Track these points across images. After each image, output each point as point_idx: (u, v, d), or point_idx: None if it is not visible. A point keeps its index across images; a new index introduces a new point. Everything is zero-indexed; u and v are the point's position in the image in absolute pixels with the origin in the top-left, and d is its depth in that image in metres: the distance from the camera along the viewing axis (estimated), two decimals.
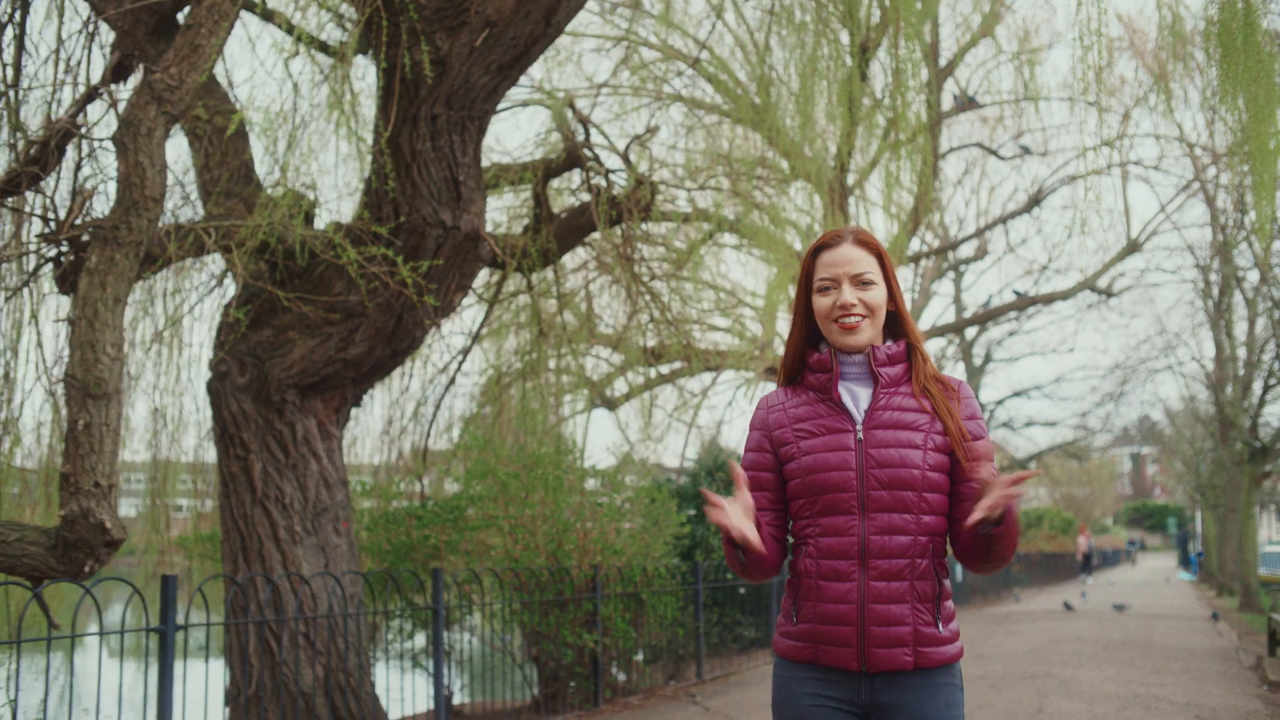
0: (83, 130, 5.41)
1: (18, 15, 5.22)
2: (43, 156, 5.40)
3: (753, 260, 13.60)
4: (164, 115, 4.82)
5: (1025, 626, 15.29)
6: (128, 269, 4.63)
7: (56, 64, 5.80)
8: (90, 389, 4.36)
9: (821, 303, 2.20)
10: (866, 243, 2.21)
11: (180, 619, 4.70)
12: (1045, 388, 30.13)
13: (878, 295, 2.19)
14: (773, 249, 11.18)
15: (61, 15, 6.03)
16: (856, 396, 2.20)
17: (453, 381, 9.98)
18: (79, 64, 5.89)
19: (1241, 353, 21.94)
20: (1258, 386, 21.53)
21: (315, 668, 6.33)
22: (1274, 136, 7.39)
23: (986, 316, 22.61)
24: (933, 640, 2.10)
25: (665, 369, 14.35)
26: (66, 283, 5.41)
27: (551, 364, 11.75)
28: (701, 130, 12.55)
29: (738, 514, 2.09)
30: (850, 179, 13.53)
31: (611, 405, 15.59)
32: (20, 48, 5.33)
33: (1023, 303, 20.94)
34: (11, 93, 5.28)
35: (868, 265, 2.18)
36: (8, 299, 5.81)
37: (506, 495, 7.35)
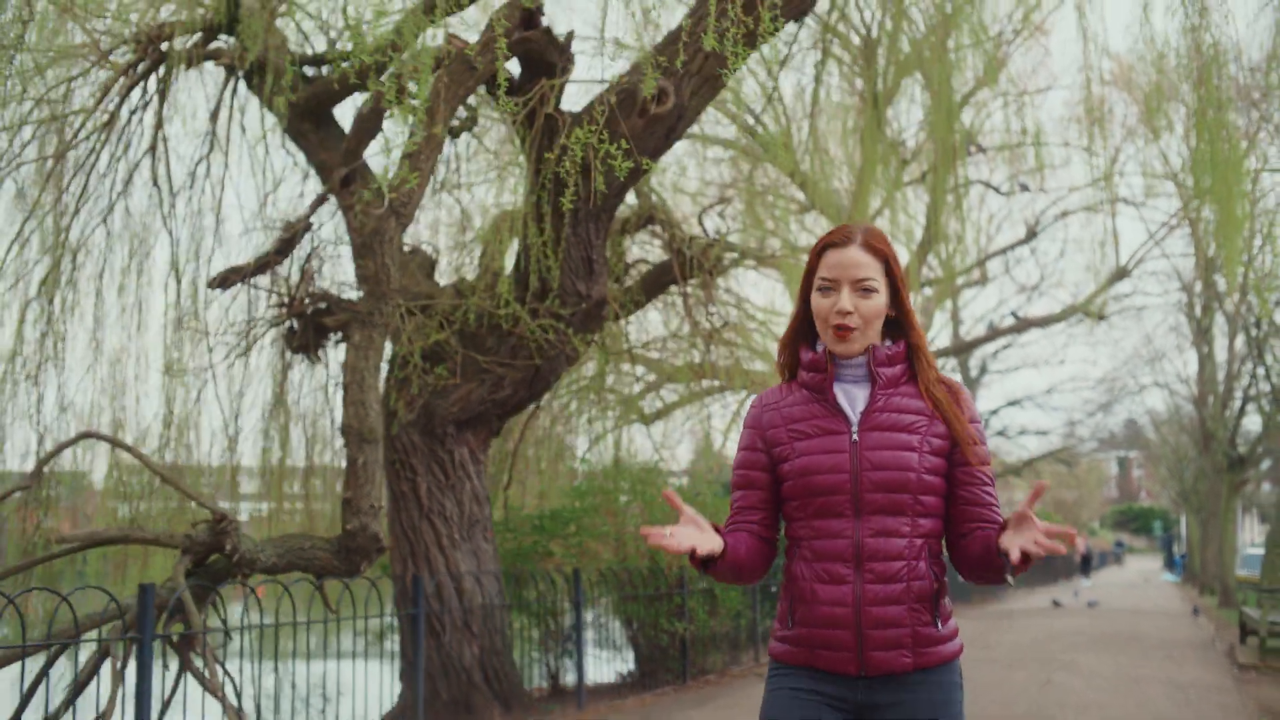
0: (315, 226, 6.97)
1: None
2: (286, 247, 6.96)
3: (763, 279, 15.13)
4: (400, 225, 6.38)
5: (1024, 622, 16.96)
6: (380, 343, 6.19)
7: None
8: (364, 436, 5.91)
9: (820, 303, 2.15)
10: (874, 247, 2.13)
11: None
12: (1037, 398, 31.68)
13: (876, 304, 2.12)
14: (793, 277, 12.82)
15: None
16: (853, 397, 2.16)
17: (539, 406, 11.56)
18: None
19: (1222, 371, 23.57)
20: (1237, 400, 23.21)
21: (473, 648, 7.89)
22: (1237, 186, 8.76)
23: (985, 339, 24.32)
24: (931, 640, 2.10)
25: (689, 386, 16.00)
26: (310, 348, 6.96)
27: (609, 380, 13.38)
28: (727, 164, 14.22)
29: (689, 535, 2.05)
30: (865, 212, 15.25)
31: (647, 421, 17.19)
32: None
33: (1019, 326, 22.63)
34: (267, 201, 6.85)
35: (871, 271, 2.11)
36: (240, 355, 7.37)
37: (613, 509, 8.94)
